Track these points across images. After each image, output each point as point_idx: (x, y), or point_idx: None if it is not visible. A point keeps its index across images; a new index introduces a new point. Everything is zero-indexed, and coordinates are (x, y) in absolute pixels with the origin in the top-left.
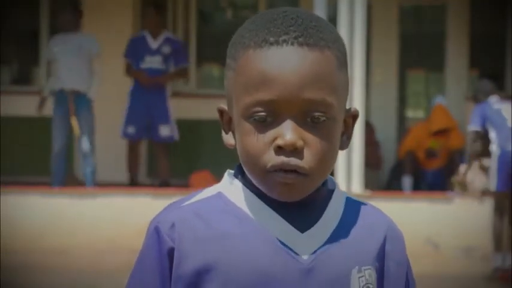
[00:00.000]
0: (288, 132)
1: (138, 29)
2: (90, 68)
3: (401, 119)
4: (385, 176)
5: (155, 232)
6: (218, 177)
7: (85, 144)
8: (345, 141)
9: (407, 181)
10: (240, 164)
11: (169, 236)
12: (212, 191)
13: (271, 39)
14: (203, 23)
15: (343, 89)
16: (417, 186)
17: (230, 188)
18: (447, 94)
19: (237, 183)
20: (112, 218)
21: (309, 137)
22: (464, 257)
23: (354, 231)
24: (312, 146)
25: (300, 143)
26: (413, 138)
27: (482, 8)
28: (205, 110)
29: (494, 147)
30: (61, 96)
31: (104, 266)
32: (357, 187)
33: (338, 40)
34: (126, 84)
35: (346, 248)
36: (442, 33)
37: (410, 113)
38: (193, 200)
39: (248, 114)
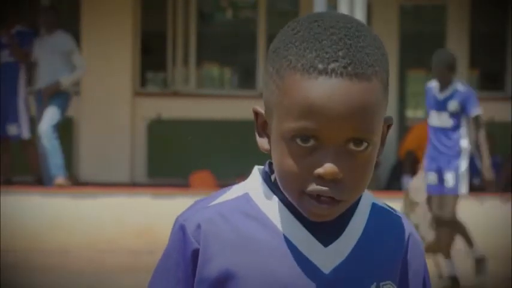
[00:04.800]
0: (329, 161)
1: (139, 28)
2: (69, 65)
3: (402, 119)
4: (385, 176)
5: (181, 231)
6: (218, 177)
7: (44, 141)
8: (380, 150)
9: (407, 181)
10: (271, 163)
11: (194, 237)
12: (239, 190)
13: (320, 66)
14: (203, 23)
15: (384, 110)
16: None
17: (258, 191)
18: None
19: (266, 187)
20: (112, 218)
21: (350, 165)
22: (464, 257)
23: (376, 245)
24: (351, 174)
25: (340, 174)
26: (413, 138)
27: (482, 8)
28: (205, 110)
29: (465, 142)
30: (40, 96)
31: (104, 266)
32: None
33: (385, 61)
34: (128, 84)
35: (367, 263)
36: (442, 33)
37: (410, 113)
38: (219, 200)
39: (290, 137)
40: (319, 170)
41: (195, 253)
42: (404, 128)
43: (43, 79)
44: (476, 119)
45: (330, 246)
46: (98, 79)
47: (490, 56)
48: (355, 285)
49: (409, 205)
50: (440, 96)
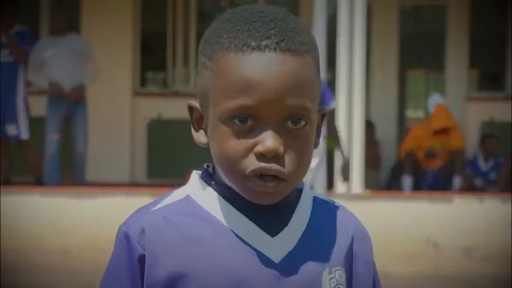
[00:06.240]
0: (269, 138)
1: (139, 28)
2: (83, 69)
3: (401, 119)
4: (385, 176)
5: (125, 239)
6: None
7: (78, 145)
8: (316, 140)
9: (407, 181)
10: (208, 165)
11: (139, 243)
12: (180, 194)
13: (253, 43)
14: (203, 23)
15: (318, 92)
16: (417, 186)
17: (198, 191)
18: (447, 94)
19: (206, 186)
20: (112, 218)
21: (289, 142)
22: (464, 257)
23: (323, 232)
24: (292, 151)
25: (280, 149)
26: (413, 138)
27: (482, 8)
28: None
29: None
30: (55, 96)
31: (104, 266)
32: (357, 187)
33: (314, 43)
34: (128, 84)
35: (316, 250)
36: (442, 33)
37: (410, 113)
38: (162, 204)
39: (228, 118)
40: (259, 147)
41: (141, 259)
42: (404, 128)
43: (64, 81)
44: (325, 114)
45: (277, 236)
46: (98, 79)
47: (490, 56)
48: (307, 272)
49: None
50: None
